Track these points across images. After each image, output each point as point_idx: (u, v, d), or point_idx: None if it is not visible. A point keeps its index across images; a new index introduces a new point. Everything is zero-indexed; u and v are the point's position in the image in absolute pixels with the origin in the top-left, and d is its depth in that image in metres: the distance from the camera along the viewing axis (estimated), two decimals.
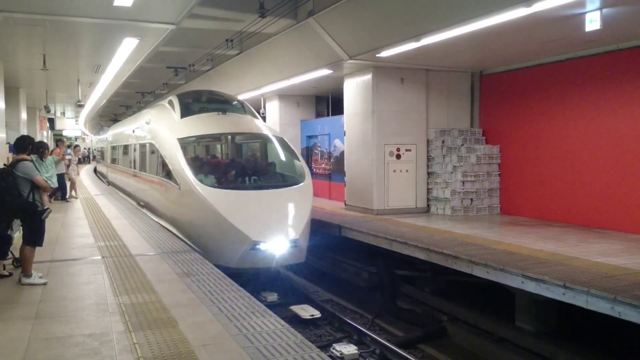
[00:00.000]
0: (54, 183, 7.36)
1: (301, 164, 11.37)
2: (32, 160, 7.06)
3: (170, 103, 13.08)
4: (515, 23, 8.61)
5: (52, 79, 16.86)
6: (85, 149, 49.73)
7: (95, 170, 35.53)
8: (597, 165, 11.16)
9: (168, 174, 11.09)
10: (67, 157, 17.86)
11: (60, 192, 16.26)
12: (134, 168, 15.91)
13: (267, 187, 10.47)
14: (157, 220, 12.24)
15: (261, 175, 11.31)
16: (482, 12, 8.40)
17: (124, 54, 12.27)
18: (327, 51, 12.33)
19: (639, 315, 6.08)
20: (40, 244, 7.02)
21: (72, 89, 18.75)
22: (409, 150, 13.77)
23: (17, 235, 8.29)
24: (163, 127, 12.45)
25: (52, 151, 13.86)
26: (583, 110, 11.43)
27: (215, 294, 6.23)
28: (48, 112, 25.08)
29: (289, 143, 12.08)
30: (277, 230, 9.51)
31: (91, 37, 11.00)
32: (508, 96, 13.39)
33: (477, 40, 10.15)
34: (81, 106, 23.25)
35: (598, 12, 8.31)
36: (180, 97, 13.15)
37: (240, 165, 11.59)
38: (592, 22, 8.47)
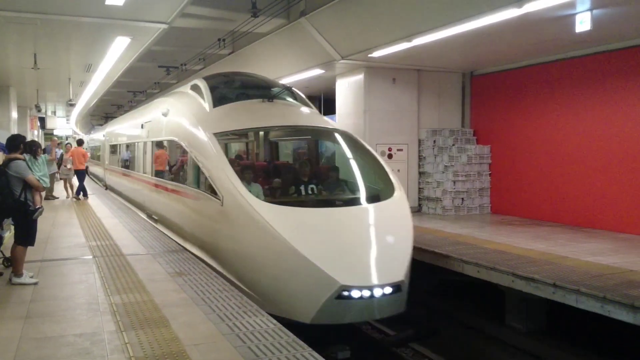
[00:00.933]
0: (46, 182, 7.31)
1: (385, 168, 8.45)
2: (24, 159, 7.03)
3: (196, 89, 10.25)
4: (506, 24, 8.66)
5: (43, 78, 16.75)
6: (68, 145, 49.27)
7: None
8: (587, 165, 11.24)
9: (201, 181, 8.45)
10: (58, 156, 17.88)
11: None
12: (143, 172, 13.06)
13: (352, 203, 7.64)
14: (180, 242, 9.40)
15: (333, 185, 8.50)
16: (473, 12, 8.44)
17: (116, 53, 12.22)
18: (319, 51, 12.35)
19: (628, 313, 6.15)
20: (31, 244, 7.00)
21: (63, 88, 18.64)
22: (401, 150, 13.81)
23: (8, 235, 8.27)
24: (189, 119, 9.55)
25: (43, 149, 13.82)
26: (573, 110, 11.51)
27: (207, 294, 6.22)
28: (39, 111, 24.93)
29: (361, 141, 9.25)
30: (375, 268, 6.63)
31: (82, 36, 10.95)
32: (499, 96, 13.47)
33: (468, 40, 10.20)
34: (72, 105, 23.12)
35: (588, 13, 8.39)
36: (209, 81, 10.20)
37: (305, 172, 8.60)
38: (582, 23, 8.55)
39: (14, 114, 20.11)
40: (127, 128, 17.43)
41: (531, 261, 8.08)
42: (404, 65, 13.19)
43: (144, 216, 12.65)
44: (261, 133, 9.89)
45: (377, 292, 6.42)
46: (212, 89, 9.76)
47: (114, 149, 20.05)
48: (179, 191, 9.64)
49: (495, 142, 13.65)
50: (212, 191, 7.81)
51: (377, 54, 11.39)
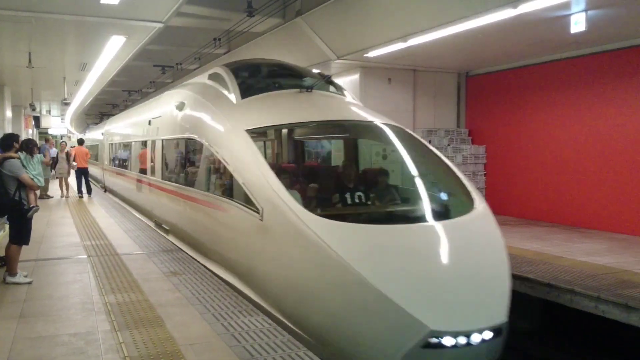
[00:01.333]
0: (40, 182, 7.28)
1: (458, 174, 6.83)
2: (19, 158, 7.01)
3: (217, 78, 8.75)
4: (501, 24, 8.68)
5: (37, 77, 16.71)
6: (71, 147, 49.25)
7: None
8: (582, 165, 11.28)
9: (232, 189, 6.85)
10: (53, 155, 17.89)
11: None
12: (151, 174, 11.61)
13: (428, 219, 5.95)
14: (200, 259, 7.98)
15: (384, 193, 7.03)
16: (469, 13, 8.46)
17: (111, 52, 12.19)
18: (315, 51, 12.34)
19: (622, 313, 6.18)
20: (26, 243, 6.98)
21: (58, 87, 18.59)
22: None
23: (2, 234, 8.24)
24: (212, 114, 8.11)
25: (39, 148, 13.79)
26: (568, 110, 11.55)
27: (202, 293, 6.21)
28: (33, 110, 24.87)
29: (420, 139, 7.72)
30: (473, 307, 5.06)
31: (77, 35, 10.92)
32: (494, 97, 13.50)
33: (463, 41, 10.22)
34: (67, 104, 23.07)
35: (583, 14, 8.42)
36: (234, 69, 8.62)
37: (350, 176, 7.13)
38: (577, 24, 8.58)
39: (8, 113, 20.04)
40: (130, 125, 15.93)
41: (526, 261, 8.11)
42: (399, 65, 13.20)
43: (150, 224, 11.30)
44: (300, 129, 8.20)
45: (475, 338, 4.82)
46: (238, 78, 8.27)
47: (114, 148, 18.77)
48: (198, 199, 8.02)
49: (490, 142, 13.69)
50: (247, 201, 6.25)
51: (372, 54, 11.40)
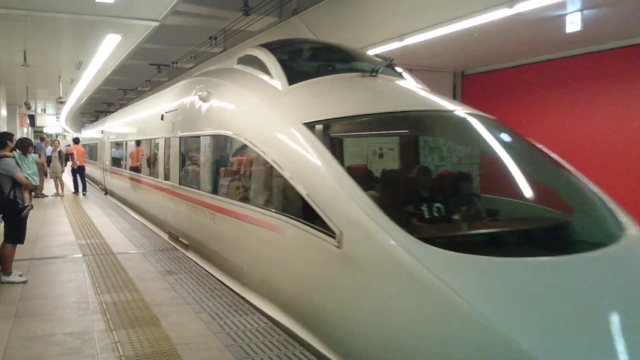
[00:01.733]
0: (35, 181, 7.27)
1: (585, 182, 5.49)
2: (13, 157, 6.99)
3: (253, 61, 7.14)
4: (497, 24, 8.69)
5: (32, 75, 16.67)
6: (67, 145, 49.05)
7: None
8: (578, 165, 11.29)
9: (288, 201, 5.37)
10: (48, 154, 17.90)
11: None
12: (165, 178, 9.94)
13: (582, 249, 4.30)
14: (236, 289, 6.34)
15: (468, 205, 5.64)
16: (465, 12, 8.47)
17: (106, 51, 12.17)
18: None
19: None
20: (21, 242, 6.96)
21: (53, 86, 18.56)
22: (392, 149, 13.81)
23: None
24: (252, 104, 6.52)
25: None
26: (564, 110, 11.58)
27: (197, 292, 6.21)
28: (28, 108, 24.80)
29: (514, 133, 6.26)
30: None
31: (73, 33, 10.89)
32: (489, 96, 13.51)
33: (459, 40, 10.22)
34: (62, 103, 23.02)
35: (579, 14, 8.43)
36: (272, 50, 6.99)
37: (425, 183, 5.86)
38: (573, 24, 8.59)
39: (3, 112, 19.99)
40: (137, 121, 14.19)
41: None
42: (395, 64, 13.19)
43: (163, 235, 9.89)
44: (376, 122, 6.07)
45: None
46: (282, 61, 6.66)
47: (117, 147, 17.15)
48: (235, 212, 6.36)
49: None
50: (313, 219, 4.66)
51: (368, 53, 11.39)
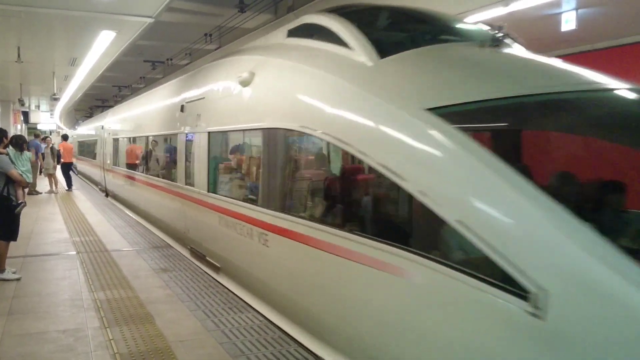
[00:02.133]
0: (29, 178, 7.24)
1: None
2: (7, 154, 6.96)
3: (317, 31, 5.44)
4: (492, 22, 8.70)
5: (26, 72, 16.59)
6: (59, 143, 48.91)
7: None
8: (574, 165, 11.34)
9: (414, 231, 3.87)
10: (42, 152, 17.87)
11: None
12: (187, 183, 8.33)
13: None
14: (307, 343, 4.68)
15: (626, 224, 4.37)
16: (460, 10, 8.47)
17: (101, 47, 12.12)
18: None
19: None
20: (14, 239, 6.94)
21: (47, 82, 18.46)
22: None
23: None
24: (328, 85, 4.74)
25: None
26: None
27: (192, 290, 6.20)
28: (22, 105, 24.66)
29: None
30: None
31: (67, 30, 10.84)
32: None
33: None
34: (56, 99, 22.94)
35: (573, 12, 8.46)
36: (347, 15, 5.20)
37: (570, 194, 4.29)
38: (568, 22, 8.62)
39: None
40: (147, 114, 12.24)
41: None
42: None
43: (184, 252, 8.39)
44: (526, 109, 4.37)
45: None
46: (364, 32, 4.83)
47: (121, 144, 15.24)
48: (314, 239, 4.49)
49: (480, 141, 13.71)
50: (476, 265, 3.05)
51: None
